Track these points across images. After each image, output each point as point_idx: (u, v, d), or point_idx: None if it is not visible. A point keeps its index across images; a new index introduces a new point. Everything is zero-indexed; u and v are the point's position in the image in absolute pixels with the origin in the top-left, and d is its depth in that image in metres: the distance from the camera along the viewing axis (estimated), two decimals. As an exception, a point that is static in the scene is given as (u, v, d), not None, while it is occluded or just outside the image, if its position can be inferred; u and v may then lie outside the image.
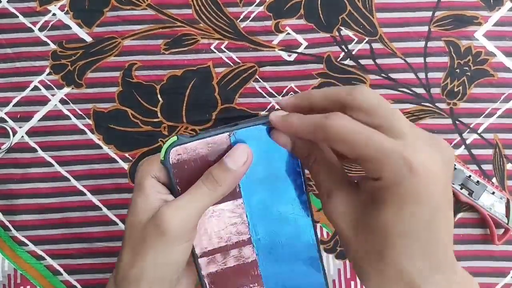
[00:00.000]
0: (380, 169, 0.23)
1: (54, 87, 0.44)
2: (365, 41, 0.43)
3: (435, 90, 0.43)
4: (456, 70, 0.43)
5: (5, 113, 0.44)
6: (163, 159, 0.27)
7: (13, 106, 0.44)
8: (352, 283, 0.42)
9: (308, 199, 0.29)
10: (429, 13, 0.43)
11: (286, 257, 0.30)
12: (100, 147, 0.43)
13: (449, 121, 0.43)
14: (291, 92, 0.43)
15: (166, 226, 0.25)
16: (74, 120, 0.44)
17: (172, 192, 0.28)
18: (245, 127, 0.28)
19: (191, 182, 0.27)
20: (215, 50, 0.43)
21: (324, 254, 0.43)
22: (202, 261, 0.29)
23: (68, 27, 0.44)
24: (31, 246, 0.43)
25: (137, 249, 0.26)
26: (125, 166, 0.43)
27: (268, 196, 0.29)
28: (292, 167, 0.29)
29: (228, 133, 0.27)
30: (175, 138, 0.27)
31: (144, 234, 0.26)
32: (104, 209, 0.43)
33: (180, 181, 0.28)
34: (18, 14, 0.44)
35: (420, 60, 0.43)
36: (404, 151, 0.23)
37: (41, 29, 0.44)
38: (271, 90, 0.43)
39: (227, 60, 0.43)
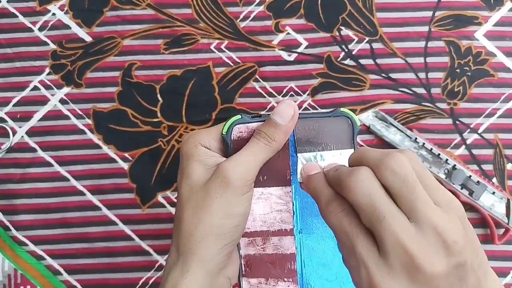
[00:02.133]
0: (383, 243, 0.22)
1: (54, 87, 0.44)
2: (365, 41, 0.43)
3: (436, 90, 0.43)
4: (457, 70, 0.43)
5: (5, 113, 0.44)
6: (225, 134, 0.29)
7: (13, 106, 0.44)
8: (352, 283, 0.42)
9: None
10: (429, 13, 0.43)
11: (327, 262, 0.29)
12: (100, 147, 0.43)
13: (449, 121, 0.43)
14: (291, 92, 0.43)
15: (230, 177, 0.27)
16: (73, 120, 0.43)
17: None
18: (305, 115, 0.29)
19: None
20: (215, 50, 0.43)
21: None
22: (242, 240, 0.30)
23: (68, 27, 0.44)
24: (31, 246, 0.43)
25: (200, 206, 0.28)
26: (125, 166, 0.43)
27: None
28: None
29: None
30: (239, 116, 0.29)
31: (207, 190, 0.27)
32: (104, 209, 0.43)
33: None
34: (18, 14, 0.44)
35: (420, 60, 0.43)
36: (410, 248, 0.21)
37: (40, 29, 0.44)
38: (271, 90, 0.43)
39: (227, 60, 0.43)
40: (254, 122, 0.29)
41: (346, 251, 0.23)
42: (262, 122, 0.29)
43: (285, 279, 0.30)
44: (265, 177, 0.30)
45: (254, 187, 0.29)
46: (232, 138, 0.29)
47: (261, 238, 0.30)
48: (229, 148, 0.29)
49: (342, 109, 0.29)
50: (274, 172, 0.30)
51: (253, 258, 0.30)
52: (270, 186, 0.30)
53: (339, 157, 0.29)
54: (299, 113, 0.29)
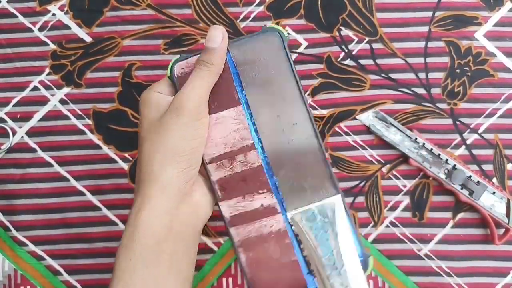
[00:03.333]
0: None
1: (54, 87, 0.44)
2: (365, 41, 0.43)
3: (436, 90, 0.43)
4: (457, 70, 0.43)
5: (5, 113, 0.44)
6: (169, 74, 0.32)
7: (12, 106, 0.44)
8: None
9: (303, 98, 0.31)
10: (429, 13, 0.43)
11: (291, 158, 0.31)
12: (100, 147, 0.43)
13: (449, 121, 0.43)
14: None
15: (182, 104, 0.30)
16: (73, 120, 0.43)
17: None
18: (238, 39, 0.32)
19: None
20: (215, 50, 0.43)
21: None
22: (210, 167, 0.32)
23: (68, 27, 0.44)
24: (31, 246, 0.43)
25: (157, 136, 0.30)
26: (125, 166, 0.43)
27: (267, 101, 0.31)
28: (287, 70, 0.32)
29: None
30: (177, 56, 0.32)
31: (163, 121, 0.30)
32: (104, 209, 0.43)
33: None
34: (17, 14, 0.44)
35: (421, 60, 0.43)
36: None
37: (40, 29, 0.44)
38: (271, 90, 0.43)
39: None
40: (192, 56, 0.32)
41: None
42: (199, 56, 0.31)
43: (260, 191, 0.31)
44: (216, 103, 0.32)
45: (209, 114, 0.31)
46: (176, 76, 0.32)
47: (227, 159, 0.31)
48: (176, 86, 0.32)
49: (268, 25, 0.33)
50: (222, 96, 0.32)
51: (225, 181, 0.31)
52: (223, 110, 0.31)
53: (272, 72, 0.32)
54: (234, 39, 0.32)
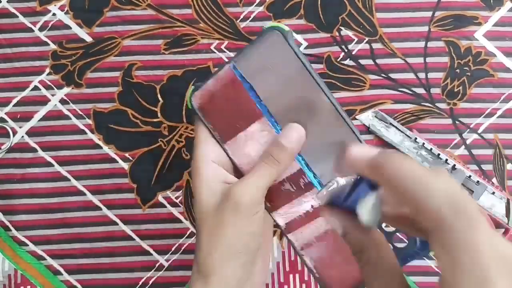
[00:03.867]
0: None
1: (54, 87, 0.44)
2: (365, 41, 0.43)
3: (435, 90, 0.43)
4: (456, 70, 0.43)
5: (5, 113, 0.44)
6: (190, 107, 0.32)
7: (13, 106, 0.44)
8: (352, 283, 0.43)
9: (322, 88, 0.31)
10: (429, 13, 0.43)
11: (327, 153, 0.31)
12: (100, 147, 0.43)
13: (449, 121, 0.43)
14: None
15: (240, 202, 0.29)
16: (74, 120, 0.44)
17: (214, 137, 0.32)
18: (240, 52, 0.31)
19: (218, 117, 0.31)
20: (215, 50, 0.43)
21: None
22: None
23: (68, 27, 0.44)
24: (31, 246, 0.43)
25: (214, 232, 0.29)
26: (125, 166, 0.43)
27: (287, 103, 0.31)
28: (299, 66, 0.31)
29: (229, 65, 0.31)
30: (192, 87, 0.32)
31: (219, 217, 0.29)
32: (104, 209, 0.43)
33: (209, 119, 0.31)
34: (18, 14, 0.44)
35: (420, 60, 0.43)
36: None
37: (41, 29, 0.44)
38: (271, 90, 0.43)
39: (227, 60, 0.43)
40: (205, 83, 0.31)
41: (418, 188, 0.19)
42: (211, 80, 0.31)
43: (306, 194, 0.31)
44: (241, 121, 0.31)
45: (235, 135, 0.31)
46: (196, 108, 0.31)
47: None
48: (201, 118, 0.31)
49: (267, 25, 0.32)
50: (244, 113, 0.31)
51: (271, 192, 0.31)
52: (248, 126, 0.31)
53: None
54: (237, 53, 0.31)
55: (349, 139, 0.31)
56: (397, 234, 0.31)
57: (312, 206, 0.31)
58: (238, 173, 0.32)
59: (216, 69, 0.31)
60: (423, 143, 0.42)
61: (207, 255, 0.30)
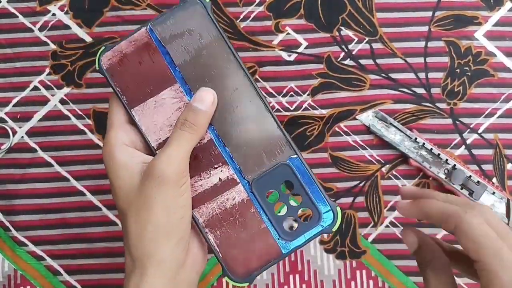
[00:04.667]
0: (494, 282, 0.25)
1: (54, 87, 0.44)
2: (365, 41, 0.43)
3: (435, 90, 0.43)
4: (456, 70, 0.43)
5: (5, 113, 0.44)
6: (98, 67, 0.30)
7: (13, 106, 0.44)
8: (353, 283, 0.42)
9: (238, 62, 0.30)
10: (429, 13, 0.43)
11: (239, 125, 0.30)
12: (100, 147, 0.43)
13: (449, 121, 0.43)
14: (291, 92, 0.43)
15: (164, 174, 0.27)
16: (74, 120, 0.43)
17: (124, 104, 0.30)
18: (159, 17, 0.30)
19: (128, 80, 0.30)
20: (215, 50, 0.43)
21: (324, 254, 0.43)
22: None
23: (68, 27, 0.44)
24: (31, 247, 0.43)
25: (142, 211, 0.27)
26: (125, 166, 0.43)
27: (203, 73, 0.30)
28: (217, 37, 0.30)
29: (145, 28, 0.30)
30: (103, 47, 0.30)
31: (144, 194, 0.27)
32: (104, 209, 0.43)
33: (117, 82, 0.30)
34: (18, 14, 0.44)
35: (420, 60, 0.43)
36: None
37: (41, 29, 0.44)
38: (271, 90, 0.43)
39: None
40: (117, 44, 0.30)
41: (488, 253, 0.26)
42: (124, 41, 0.30)
43: (215, 166, 0.30)
44: (151, 86, 0.30)
45: (145, 100, 0.30)
46: (105, 68, 0.30)
47: None
48: (108, 79, 0.30)
49: None
50: (157, 78, 0.30)
51: None
52: (159, 92, 0.30)
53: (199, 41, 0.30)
54: (155, 17, 0.30)
55: (260, 113, 0.30)
56: None
57: (220, 179, 0.30)
58: (148, 149, 0.30)
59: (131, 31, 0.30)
60: (423, 143, 0.42)
61: (138, 241, 0.28)
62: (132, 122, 0.30)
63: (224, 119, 0.30)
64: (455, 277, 0.28)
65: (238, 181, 0.30)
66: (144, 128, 0.30)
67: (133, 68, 0.30)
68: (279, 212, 0.30)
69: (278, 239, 0.29)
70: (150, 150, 0.30)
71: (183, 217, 0.28)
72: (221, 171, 0.30)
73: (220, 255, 0.29)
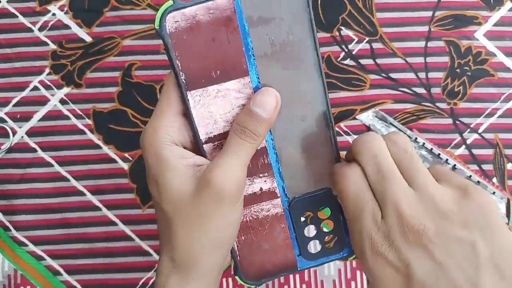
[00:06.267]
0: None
1: (54, 87, 0.44)
2: (365, 41, 0.43)
3: (436, 90, 0.43)
4: (457, 70, 0.43)
5: (5, 113, 0.44)
6: (158, 27, 0.24)
7: (13, 106, 0.44)
8: (353, 283, 0.42)
9: (321, 72, 0.26)
10: (429, 13, 0.43)
11: (298, 139, 0.28)
12: (100, 147, 0.43)
13: (449, 121, 0.43)
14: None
15: (223, 189, 0.24)
16: (73, 120, 0.43)
17: (177, 77, 0.25)
18: None
19: (192, 56, 0.25)
20: (215, 50, 0.43)
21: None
22: (207, 147, 0.27)
23: (68, 27, 0.44)
24: (31, 247, 0.43)
25: (193, 224, 0.25)
26: (125, 166, 0.43)
27: (279, 73, 0.26)
28: (308, 36, 0.25)
29: None
30: (171, 2, 0.24)
31: (198, 207, 0.25)
32: (104, 210, 0.43)
33: (179, 54, 0.25)
34: (17, 14, 0.44)
35: (421, 60, 0.43)
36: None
37: (40, 29, 0.44)
38: (271, 90, 0.43)
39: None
40: (191, 5, 0.24)
41: (353, 214, 0.25)
42: (202, 5, 0.24)
43: (261, 175, 0.28)
44: (218, 71, 0.25)
45: (206, 86, 0.25)
46: (168, 31, 0.24)
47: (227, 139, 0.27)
48: (168, 45, 0.25)
49: None
50: (227, 64, 0.25)
51: None
52: (226, 81, 0.25)
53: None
54: None
55: (324, 138, 0.28)
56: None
57: (261, 189, 0.28)
58: (196, 145, 0.27)
59: None
60: (424, 143, 0.42)
61: (186, 250, 0.26)
62: (185, 112, 0.26)
63: (286, 131, 0.27)
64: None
65: (279, 195, 0.28)
66: (196, 117, 0.26)
67: (203, 42, 0.25)
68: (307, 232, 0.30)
69: (298, 256, 0.30)
70: (198, 145, 0.27)
71: (233, 232, 0.27)
72: (265, 181, 0.28)
73: (238, 257, 0.29)
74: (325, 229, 0.29)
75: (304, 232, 0.29)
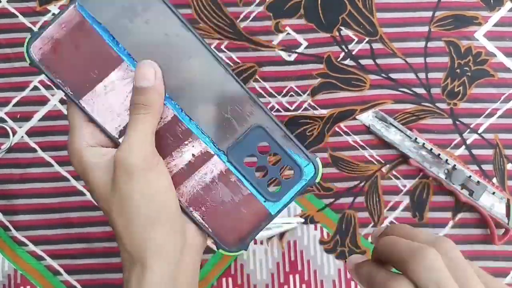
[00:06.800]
0: None
1: (54, 87, 0.44)
2: (365, 41, 0.43)
3: (435, 90, 0.43)
4: (456, 70, 0.43)
5: (5, 113, 0.44)
6: (29, 61, 0.27)
7: (13, 106, 0.44)
8: (353, 283, 0.42)
9: (188, 27, 0.27)
10: (429, 13, 0.43)
11: (202, 95, 0.28)
12: (100, 147, 0.43)
13: (449, 121, 0.43)
14: (291, 92, 0.43)
15: (131, 162, 0.26)
16: (74, 120, 0.43)
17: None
18: None
19: (67, 69, 0.27)
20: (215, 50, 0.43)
21: (324, 254, 0.43)
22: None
23: (68, 27, 0.44)
24: (31, 246, 0.43)
25: (123, 203, 0.26)
26: (125, 166, 0.43)
27: (151, 45, 0.27)
28: (158, 3, 0.27)
29: (73, 6, 0.27)
30: (28, 35, 0.27)
31: (118, 190, 0.26)
32: (104, 209, 0.43)
33: (56, 73, 0.27)
34: (18, 14, 0.44)
35: (420, 60, 0.43)
36: None
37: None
38: (271, 90, 0.43)
39: (227, 60, 0.43)
40: (45, 29, 0.27)
41: None
42: (53, 25, 0.27)
43: (185, 142, 0.28)
44: (96, 70, 0.27)
45: (92, 87, 0.27)
46: (38, 59, 0.27)
47: None
48: (44, 71, 0.27)
49: None
50: (99, 60, 0.27)
51: None
52: (107, 75, 0.27)
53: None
54: None
55: (222, 78, 0.28)
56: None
57: (193, 155, 0.28)
58: (107, 136, 0.28)
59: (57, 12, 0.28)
60: (423, 143, 0.42)
61: (128, 236, 0.26)
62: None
63: (185, 91, 0.28)
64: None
65: (213, 153, 0.28)
66: (99, 118, 0.27)
67: (70, 53, 0.27)
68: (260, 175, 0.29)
69: (265, 201, 0.29)
70: (113, 141, 0.28)
71: (165, 201, 0.27)
72: (193, 146, 0.28)
73: (210, 230, 0.29)
74: (275, 165, 0.29)
75: (257, 176, 0.29)
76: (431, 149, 0.42)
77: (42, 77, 0.44)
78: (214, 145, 0.28)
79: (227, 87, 0.28)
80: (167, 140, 0.28)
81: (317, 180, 0.28)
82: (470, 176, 0.41)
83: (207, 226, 0.29)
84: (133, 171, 0.26)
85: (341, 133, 0.43)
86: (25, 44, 0.27)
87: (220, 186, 0.29)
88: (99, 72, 0.27)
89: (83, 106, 0.27)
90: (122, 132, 0.28)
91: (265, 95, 0.43)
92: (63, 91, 0.27)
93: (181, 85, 0.28)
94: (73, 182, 0.43)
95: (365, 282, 0.26)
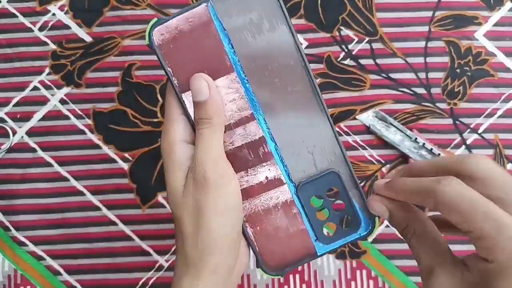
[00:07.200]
0: (495, 249, 0.21)
1: (54, 87, 0.44)
2: (365, 41, 0.43)
3: (436, 90, 0.43)
4: (457, 70, 0.43)
5: (5, 113, 0.44)
6: (148, 42, 0.27)
7: (13, 106, 0.44)
8: (353, 283, 0.42)
9: (304, 61, 0.28)
10: (429, 13, 0.43)
11: (294, 127, 0.29)
12: (100, 147, 0.43)
13: (449, 121, 0.43)
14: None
15: (205, 176, 0.26)
16: (73, 120, 0.43)
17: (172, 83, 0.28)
18: None
19: (180, 62, 0.28)
20: (215, 50, 0.43)
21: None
22: None
23: (68, 27, 0.44)
24: (31, 246, 0.43)
25: (196, 215, 0.27)
26: (125, 166, 0.43)
27: (265, 65, 0.28)
28: (284, 29, 0.28)
29: (205, 4, 0.27)
30: (155, 19, 0.27)
31: (195, 198, 0.27)
32: (104, 209, 0.43)
33: (169, 62, 0.28)
34: (18, 14, 0.44)
35: (421, 60, 0.43)
36: None
37: (40, 29, 0.44)
38: (271, 90, 0.43)
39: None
40: (172, 18, 0.27)
41: (476, 220, 0.22)
42: (180, 16, 0.27)
43: (264, 164, 0.29)
44: (206, 72, 0.28)
45: None
46: (157, 44, 0.27)
47: (226, 134, 0.29)
48: (159, 56, 0.28)
49: None
50: (212, 63, 0.28)
51: (227, 157, 0.29)
52: (214, 79, 0.28)
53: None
54: None
55: (318, 119, 0.29)
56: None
57: (266, 178, 0.29)
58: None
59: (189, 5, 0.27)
60: (424, 143, 0.42)
61: (193, 248, 0.27)
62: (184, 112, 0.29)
63: (279, 118, 0.29)
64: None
65: (284, 181, 0.29)
66: (193, 115, 0.28)
67: (188, 48, 0.28)
68: (320, 216, 0.30)
69: (315, 240, 0.30)
70: None
71: (234, 224, 0.28)
72: (269, 170, 0.29)
73: (257, 248, 0.30)
74: (337, 211, 0.30)
75: (317, 216, 0.30)
76: (431, 149, 0.42)
77: (42, 77, 0.44)
78: (288, 176, 0.29)
79: (319, 127, 0.29)
80: (248, 156, 0.29)
81: (370, 238, 0.29)
82: (470, 176, 0.41)
83: (255, 244, 0.30)
84: (207, 185, 0.27)
85: (341, 133, 0.43)
86: (149, 26, 0.27)
87: (280, 213, 0.30)
88: (208, 74, 0.28)
89: (183, 99, 0.28)
90: None
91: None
92: (170, 81, 0.28)
93: (277, 112, 0.29)
94: (73, 182, 0.43)
95: (408, 193, 0.25)
